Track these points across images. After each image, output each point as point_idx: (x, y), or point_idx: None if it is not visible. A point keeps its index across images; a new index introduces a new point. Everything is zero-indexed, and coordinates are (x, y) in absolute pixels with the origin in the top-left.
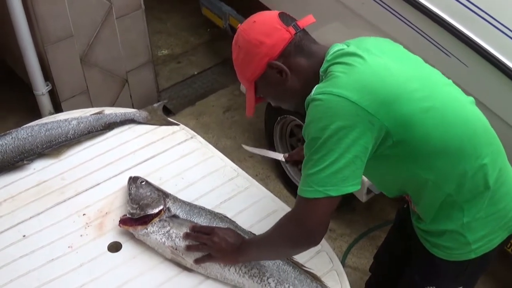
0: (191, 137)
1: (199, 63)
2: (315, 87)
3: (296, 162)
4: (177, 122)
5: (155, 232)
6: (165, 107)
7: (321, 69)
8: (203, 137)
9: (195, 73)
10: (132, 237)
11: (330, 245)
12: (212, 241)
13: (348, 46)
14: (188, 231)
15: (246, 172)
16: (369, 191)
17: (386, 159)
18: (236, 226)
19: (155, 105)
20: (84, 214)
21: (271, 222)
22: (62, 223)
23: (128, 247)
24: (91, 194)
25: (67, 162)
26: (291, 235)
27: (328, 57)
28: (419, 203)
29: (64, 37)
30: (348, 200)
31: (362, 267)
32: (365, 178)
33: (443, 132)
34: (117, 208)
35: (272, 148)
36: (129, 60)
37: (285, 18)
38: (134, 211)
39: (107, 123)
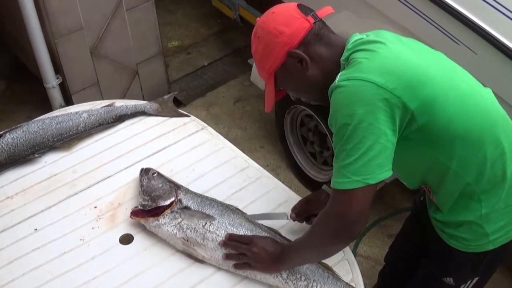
0: (202, 128)
1: (209, 54)
2: (339, 74)
3: (306, 218)
4: (187, 113)
5: (166, 224)
6: (176, 99)
7: (342, 58)
8: (214, 128)
9: (205, 64)
10: (144, 229)
11: None
12: (251, 251)
13: (367, 36)
14: (224, 239)
15: (257, 162)
16: None
17: (410, 145)
18: (248, 218)
19: (166, 96)
20: (95, 207)
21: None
22: (74, 216)
23: (139, 239)
24: (102, 187)
25: (78, 155)
26: (333, 231)
27: (348, 46)
28: (439, 192)
29: (74, 30)
30: None
31: (373, 256)
32: None
33: (465, 119)
34: (129, 200)
35: (283, 138)
36: (139, 51)
37: (304, 8)
38: (146, 203)
39: (117, 115)
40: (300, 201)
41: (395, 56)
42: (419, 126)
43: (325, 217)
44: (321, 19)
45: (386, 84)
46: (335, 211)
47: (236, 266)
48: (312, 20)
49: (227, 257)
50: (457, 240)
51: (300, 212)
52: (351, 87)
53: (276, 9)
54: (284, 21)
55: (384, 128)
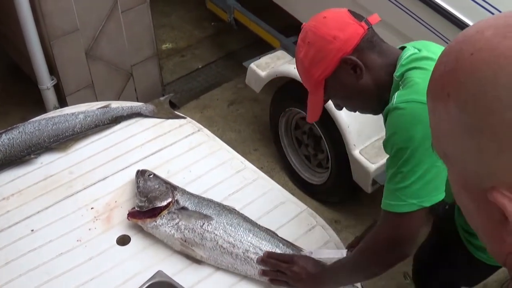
0: (198, 130)
1: (203, 56)
2: (396, 94)
3: None
4: (183, 115)
5: (164, 225)
6: (170, 101)
7: (396, 74)
8: (208, 131)
9: (199, 66)
10: (141, 230)
11: None
12: (291, 271)
13: (419, 50)
14: (263, 256)
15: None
16: (374, 182)
17: None
18: (245, 218)
19: (162, 98)
20: (92, 208)
21: (279, 214)
22: (70, 217)
23: (137, 240)
24: (99, 188)
25: (74, 156)
26: (385, 253)
27: (402, 62)
28: None
29: (70, 31)
30: (354, 191)
31: None
32: (370, 169)
33: None
34: (125, 201)
35: (277, 141)
36: (134, 53)
37: (355, 14)
38: (143, 204)
39: (114, 116)
40: (356, 237)
41: None
42: None
43: (376, 239)
44: (372, 26)
45: None
46: (387, 233)
47: (272, 282)
48: (365, 26)
49: (264, 273)
50: (484, 253)
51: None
52: (409, 110)
53: (327, 13)
54: (337, 26)
55: None
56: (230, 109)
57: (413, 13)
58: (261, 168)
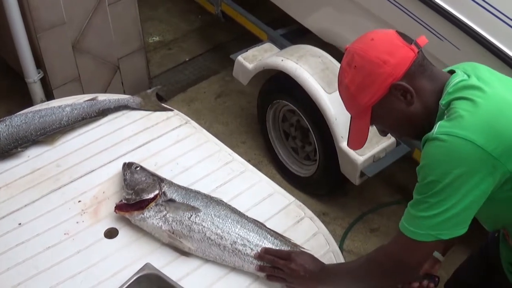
0: (186, 123)
1: (191, 49)
2: (438, 124)
3: None
4: (170, 107)
5: (151, 217)
6: (157, 94)
7: (442, 101)
8: (195, 123)
9: (187, 59)
10: (128, 222)
11: None
12: (289, 268)
13: (469, 76)
14: (260, 252)
15: None
16: (362, 174)
17: (501, 201)
18: (233, 209)
19: (149, 90)
20: (79, 201)
21: (267, 206)
22: (58, 210)
23: (124, 233)
24: (86, 181)
25: (61, 149)
26: (389, 272)
27: (449, 89)
28: None
29: (57, 25)
30: (341, 183)
31: (356, 250)
32: (358, 161)
33: None
34: (113, 194)
35: (265, 133)
36: (120, 46)
37: (403, 35)
38: (130, 197)
39: (101, 109)
40: None
41: (497, 110)
42: None
43: (384, 256)
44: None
45: (486, 144)
46: (398, 255)
47: (269, 278)
48: (416, 50)
49: (261, 269)
50: None
51: None
52: (450, 144)
53: (375, 35)
54: (387, 50)
55: (474, 189)
56: (217, 102)
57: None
58: (248, 161)
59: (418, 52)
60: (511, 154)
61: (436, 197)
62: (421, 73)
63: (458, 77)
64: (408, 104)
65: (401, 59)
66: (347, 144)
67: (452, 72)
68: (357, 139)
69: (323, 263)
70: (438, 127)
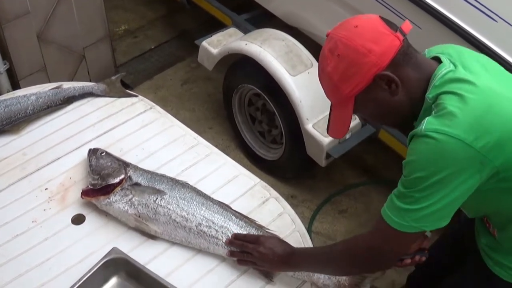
0: (150, 108)
1: (156, 37)
2: (426, 120)
3: None
4: (135, 93)
5: (117, 201)
6: (123, 82)
7: (429, 95)
8: (160, 108)
9: (152, 47)
10: (95, 208)
11: None
12: (258, 251)
13: (455, 66)
14: (230, 238)
15: None
16: (328, 155)
17: (486, 192)
18: (198, 192)
19: (113, 77)
20: (46, 189)
21: (233, 188)
22: (25, 198)
23: (91, 219)
24: (52, 168)
25: (27, 138)
26: (367, 259)
27: (436, 82)
28: (503, 230)
29: (21, 15)
30: (309, 166)
31: (324, 231)
32: (324, 143)
33: None
34: (79, 180)
35: (231, 118)
36: (86, 36)
37: (388, 21)
38: (96, 182)
39: (65, 97)
40: None
41: (486, 106)
42: (501, 178)
43: (362, 243)
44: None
45: (476, 141)
46: (378, 243)
47: (239, 262)
48: (401, 37)
49: (231, 254)
50: (503, 268)
51: None
52: (439, 143)
53: (359, 21)
54: (372, 37)
55: (460, 185)
56: (183, 88)
57: None
58: (216, 146)
59: (403, 40)
60: (499, 150)
61: (422, 192)
62: (406, 62)
63: (445, 68)
64: (392, 94)
65: (386, 48)
66: (327, 132)
67: (436, 58)
68: (339, 128)
69: (292, 246)
70: (427, 124)
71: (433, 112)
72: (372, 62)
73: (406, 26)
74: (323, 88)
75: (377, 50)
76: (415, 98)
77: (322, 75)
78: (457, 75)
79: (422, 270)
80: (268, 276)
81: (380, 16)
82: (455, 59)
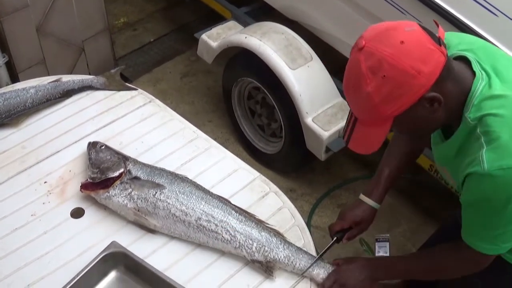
0: (150, 101)
1: (155, 30)
2: (485, 157)
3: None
4: (135, 87)
5: (117, 195)
6: (123, 75)
7: (469, 115)
8: (159, 101)
9: (151, 40)
10: (95, 202)
11: None
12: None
13: (488, 76)
14: None
15: None
16: (327, 149)
17: None
18: (198, 186)
19: (113, 70)
20: (45, 182)
21: (232, 182)
22: (24, 192)
23: (90, 213)
24: (51, 162)
25: (26, 131)
26: (457, 274)
27: (475, 101)
28: None
29: (20, 8)
30: (308, 160)
31: (323, 225)
32: (323, 137)
33: None
34: (78, 174)
35: (231, 111)
36: (85, 29)
37: (429, 32)
38: (95, 175)
39: (65, 90)
40: (344, 221)
41: None
42: None
43: (453, 269)
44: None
45: None
46: (468, 267)
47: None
48: (445, 52)
49: None
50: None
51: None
52: (506, 179)
53: (403, 36)
54: (420, 56)
55: None
56: (183, 82)
57: None
58: (215, 139)
59: (446, 54)
60: None
61: (504, 216)
62: (447, 77)
63: (480, 83)
64: (433, 112)
65: (434, 67)
66: (346, 144)
67: (464, 59)
68: (369, 146)
69: (364, 262)
70: (488, 162)
71: (482, 139)
72: (421, 84)
73: (442, 33)
74: (353, 105)
75: (426, 71)
76: (453, 113)
77: (357, 94)
78: (493, 91)
79: None
80: (268, 271)
81: (420, 25)
82: (485, 62)
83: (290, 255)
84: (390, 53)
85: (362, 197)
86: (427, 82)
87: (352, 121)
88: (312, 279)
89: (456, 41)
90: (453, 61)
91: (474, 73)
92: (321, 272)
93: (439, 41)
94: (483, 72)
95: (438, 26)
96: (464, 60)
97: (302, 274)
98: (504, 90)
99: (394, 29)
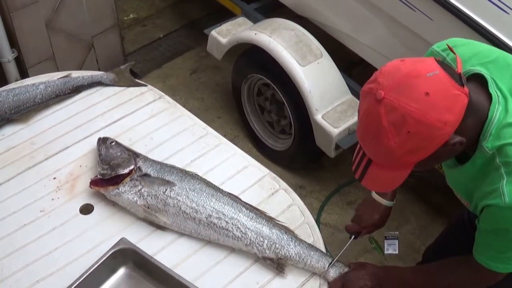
0: (159, 97)
1: (165, 26)
2: (506, 190)
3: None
4: (144, 83)
5: (126, 192)
6: (132, 71)
7: (487, 144)
8: (169, 98)
9: (161, 36)
10: (104, 198)
11: None
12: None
13: (505, 100)
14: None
15: None
16: (337, 146)
17: None
18: (208, 183)
19: (122, 66)
20: (54, 178)
21: (242, 179)
22: (33, 188)
23: (100, 209)
24: (61, 158)
25: (36, 127)
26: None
27: (492, 130)
28: None
29: (30, 3)
30: (317, 157)
31: (333, 223)
32: (333, 134)
33: None
34: (88, 170)
35: (240, 108)
36: (94, 24)
37: (449, 70)
38: (105, 172)
39: (74, 86)
40: (361, 221)
41: None
42: None
43: (469, 279)
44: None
45: None
46: (482, 284)
47: None
48: (467, 91)
49: None
50: None
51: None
52: None
53: (428, 86)
54: (446, 106)
55: None
56: (192, 78)
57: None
58: (224, 136)
59: (468, 93)
60: None
61: None
62: (468, 114)
63: (497, 108)
64: (454, 151)
65: (459, 113)
66: (360, 181)
67: (479, 77)
68: (386, 186)
69: (375, 269)
70: (509, 194)
71: (502, 170)
72: (446, 133)
73: (459, 64)
74: (371, 153)
75: (452, 120)
76: (470, 142)
77: (377, 145)
78: (511, 118)
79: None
80: (279, 268)
81: (437, 61)
82: (499, 79)
83: (301, 252)
84: (415, 108)
85: (375, 196)
86: (451, 130)
87: (365, 161)
88: (322, 276)
89: (467, 54)
90: (470, 87)
91: (489, 95)
92: (332, 271)
93: (461, 81)
94: (499, 94)
95: (455, 54)
96: (478, 77)
97: (320, 275)
98: None
99: (416, 78)
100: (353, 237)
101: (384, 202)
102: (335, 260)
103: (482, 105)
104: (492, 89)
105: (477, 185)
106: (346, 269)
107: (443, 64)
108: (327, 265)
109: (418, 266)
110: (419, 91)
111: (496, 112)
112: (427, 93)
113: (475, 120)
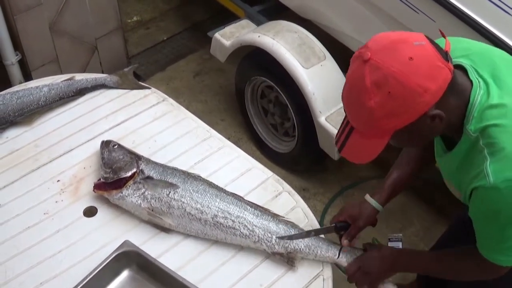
0: (163, 100)
1: (168, 28)
2: (490, 169)
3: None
4: (148, 85)
5: (130, 195)
6: (136, 73)
7: (470, 127)
8: (172, 100)
9: (164, 38)
10: (108, 201)
11: None
12: (363, 276)
13: (486, 85)
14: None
15: None
16: None
17: None
18: (211, 184)
19: (126, 69)
20: (58, 180)
21: (245, 181)
22: (37, 190)
23: (104, 211)
24: (64, 160)
25: (39, 129)
26: (473, 277)
27: (474, 112)
28: None
29: (33, 6)
30: (321, 159)
31: None
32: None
33: None
34: (92, 172)
35: (243, 110)
36: (98, 27)
37: (437, 46)
38: (108, 175)
39: (78, 88)
40: (342, 213)
41: None
42: None
43: (472, 273)
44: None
45: None
46: (488, 274)
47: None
48: (452, 67)
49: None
50: None
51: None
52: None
53: (413, 52)
54: (428, 74)
55: None
56: (196, 80)
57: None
58: (228, 138)
59: (453, 70)
60: None
61: None
62: (451, 92)
63: (478, 93)
64: (433, 127)
65: (441, 85)
66: (339, 152)
67: (460, 68)
68: (363, 156)
69: (388, 251)
70: (493, 175)
71: (485, 151)
72: (426, 101)
73: (448, 46)
74: (352, 116)
75: (433, 89)
76: (454, 125)
77: (358, 106)
78: (492, 100)
79: None
80: (290, 262)
81: (426, 37)
82: (482, 70)
83: (310, 243)
84: (398, 69)
85: (367, 196)
86: (432, 100)
87: (348, 129)
88: (336, 264)
89: (453, 46)
90: (457, 72)
91: (471, 82)
92: (344, 256)
93: (446, 56)
94: (480, 80)
95: (444, 37)
96: (461, 68)
97: (333, 263)
98: (504, 98)
99: (403, 43)
100: (334, 225)
101: (371, 202)
102: (313, 234)
103: (465, 87)
104: (472, 76)
105: (465, 171)
106: (358, 253)
107: (432, 40)
108: (337, 252)
109: (430, 252)
110: (403, 54)
111: (478, 96)
112: (411, 58)
113: (458, 102)
